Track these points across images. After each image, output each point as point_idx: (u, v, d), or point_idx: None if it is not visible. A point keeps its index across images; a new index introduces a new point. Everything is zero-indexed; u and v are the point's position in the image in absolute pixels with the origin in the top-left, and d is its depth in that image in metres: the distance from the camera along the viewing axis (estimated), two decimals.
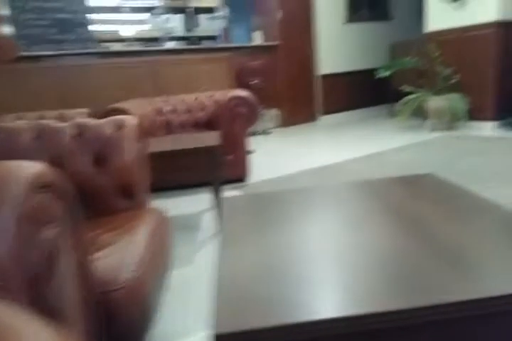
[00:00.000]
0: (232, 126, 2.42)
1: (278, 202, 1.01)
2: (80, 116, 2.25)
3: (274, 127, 4.60)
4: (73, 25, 4.39)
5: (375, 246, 0.73)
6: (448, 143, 3.26)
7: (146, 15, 5.38)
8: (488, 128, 3.61)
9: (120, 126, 1.12)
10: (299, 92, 4.79)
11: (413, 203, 0.91)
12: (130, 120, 1.15)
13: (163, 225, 1.09)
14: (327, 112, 4.92)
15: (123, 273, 0.82)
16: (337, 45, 4.85)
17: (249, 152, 2.55)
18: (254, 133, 4.21)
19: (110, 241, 0.94)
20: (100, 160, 1.12)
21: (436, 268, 0.63)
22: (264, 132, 4.37)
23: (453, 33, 3.88)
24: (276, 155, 3.37)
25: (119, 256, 0.89)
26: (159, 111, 2.75)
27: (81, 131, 1.15)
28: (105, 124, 1.12)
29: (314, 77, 4.82)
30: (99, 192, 1.11)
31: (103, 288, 0.76)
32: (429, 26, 4.11)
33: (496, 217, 0.80)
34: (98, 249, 0.89)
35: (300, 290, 0.61)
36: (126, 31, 5.28)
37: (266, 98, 4.32)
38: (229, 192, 2.25)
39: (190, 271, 1.50)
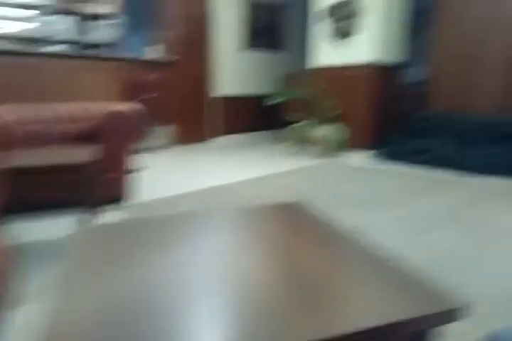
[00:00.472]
0: (115, 141, 2.26)
1: (145, 230, 0.94)
2: None
3: (168, 145, 4.48)
4: None
5: (235, 281, 0.69)
6: (327, 170, 3.50)
7: (31, 13, 4.90)
8: (364, 157, 3.98)
9: None
10: (195, 111, 4.76)
11: (279, 234, 0.91)
12: None
13: (4, 255, 0.93)
14: (222, 133, 4.97)
15: None
16: (235, 68, 4.98)
17: (133, 170, 2.41)
18: (144, 150, 4.04)
19: None
20: None
21: (293, 303, 0.62)
22: (156, 149, 4.23)
23: (336, 69, 4.26)
24: (166, 174, 3.25)
25: None
26: (31, 120, 2.46)
27: None
28: None
29: (209, 97, 4.85)
30: None
31: None
32: (316, 61, 4.45)
33: (354, 251, 0.84)
34: None
35: (147, 332, 0.54)
36: (5, 28, 4.73)
37: (160, 114, 4.20)
38: (105, 214, 2.07)
39: (40, 306, 1.30)
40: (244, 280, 0.70)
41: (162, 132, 4.39)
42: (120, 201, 2.32)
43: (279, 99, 4.14)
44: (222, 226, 0.97)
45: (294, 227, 0.96)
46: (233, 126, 5.07)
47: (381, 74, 4.12)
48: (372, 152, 4.01)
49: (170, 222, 0.99)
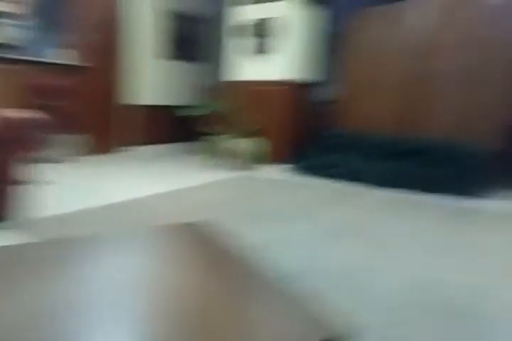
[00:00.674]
0: (4, 151, 2.03)
1: (28, 256, 0.83)
2: None
3: (79, 155, 4.18)
4: None
5: (115, 311, 0.62)
6: (244, 183, 3.51)
7: None
8: (281, 171, 4.07)
9: None
10: (108, 120, 4.53)
11: (172, 258, 0.86)
12: None
13: None
14: (140, 143, 4.79)
15: None
16: (155, 78, 4.85)
17: (29, 183, 2.18)
18: (49, 161, 3.73)
19: None
20: None
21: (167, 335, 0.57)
22: (64, 160, 3.92)
23: (255, 84, 4.34)
24: (73, 186, 3.01)
25: None
26: None
27: None
28: None
29: (125, 106, 4.66)
30: None
31: None
32: (235, 75, 4.50)
33: (243, 276, 0.81)
34: None
35: None
36: None
37: (70, 122, 3.92)
38: None
39: None
40: (126, 309, 0.64)
41: (71, 141, 4.09)
42: (7, 218, 2.07)
43: (197, 112, 4.10)
44: (112, 250, 0.89)
45: (189, 250, 0.91)
46: (152, 137, 4.91)
47: (297, 92, 4.28)
48: (289, 166, 4.12)
49: (56, 247, 0.89)
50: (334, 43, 4.46)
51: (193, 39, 5.34)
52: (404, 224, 2.41)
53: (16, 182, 2.03)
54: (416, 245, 2.05)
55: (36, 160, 3.13)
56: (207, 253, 0.89)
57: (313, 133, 4.35)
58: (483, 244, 2.12)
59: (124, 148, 4.68)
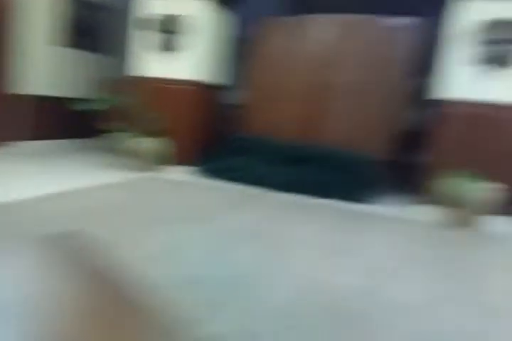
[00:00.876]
0: None
1: None
2: None
3: None
4: None
5: None
6: (144, 184, 3.36)
7: None
8: (184, 173, 3.97)
9: None
10: None
11: (36, 274, 0.74)
12: None
13: None
14: (29, 137, 4.30)
15: None
16: (49, 66, 4.40)
17: None
18: None
19: None
20: None
21: None
22: None
23: (160, 81, 4.18)
24: None
25: None
26: None
27: None
28: None
29: (10, 94, 4.15)
30: None
31: None
32: (139, 70, 4.28)
33: (107, 292, 0.73)
34: None
35: None
36: None
37: None
38: None
39: None
40: None
41: None
42: None
43: (95, 106, 3.79)
44: None
45: (55, 263, 0.80)
46: (42, 131, 4.44)
47: (205, 93, 4.22)
48: (194, 168, 4.03)
49: None
50: (242, 48, 4.49)
51: (95, 28, 4.97)
52: (301, 227, 2.50)
53: None
54: (310, 247, 2.13)
55: None
56: (75, 266, 0.79)
57: (219, 136, 4.32)
58: (368, 245, 2.28)
59: (8, 142, 4.16)
